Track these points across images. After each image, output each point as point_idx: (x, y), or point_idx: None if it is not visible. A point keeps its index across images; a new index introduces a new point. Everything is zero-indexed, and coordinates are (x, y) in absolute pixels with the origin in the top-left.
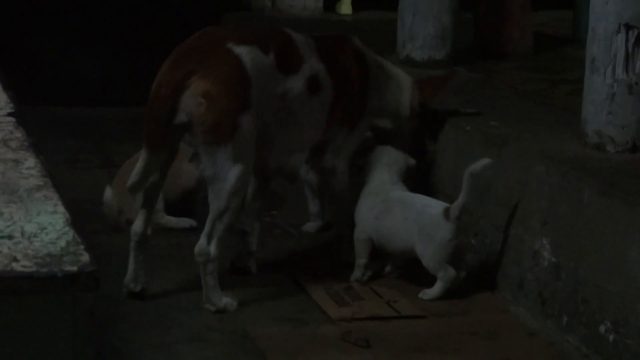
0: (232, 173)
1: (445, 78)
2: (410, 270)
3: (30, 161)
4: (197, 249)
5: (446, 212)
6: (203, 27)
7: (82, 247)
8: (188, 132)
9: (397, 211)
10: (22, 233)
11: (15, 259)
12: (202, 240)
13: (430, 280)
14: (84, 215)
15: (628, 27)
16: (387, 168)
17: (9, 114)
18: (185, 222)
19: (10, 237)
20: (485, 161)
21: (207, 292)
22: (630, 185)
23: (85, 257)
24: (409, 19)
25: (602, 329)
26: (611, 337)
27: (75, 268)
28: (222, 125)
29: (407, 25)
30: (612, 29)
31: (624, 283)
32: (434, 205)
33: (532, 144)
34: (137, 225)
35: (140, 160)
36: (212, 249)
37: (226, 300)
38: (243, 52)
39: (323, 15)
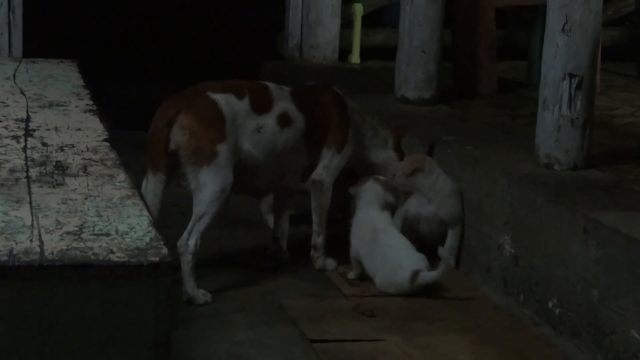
0: (210, 188)
1: (407, 126)
2: None
3: (122, 176)
4: (179, 242)
5: (414, 276)
6: (248, 73)
7: (162, 242)
8: (177, 157)
9: (381, 248)
10: (117, 231)
11: (111, 252)
12: (184, 235)
13: None
14: (160, 215)
15: (571, 76)
16: (373, 202)
17: (105, 140)
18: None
19: (107, 234)
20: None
21: (183, 280)
22: (572, 195)
23: (165, 250)
24: (404, 68)
25: (550, 304)
26: (557, 311)
27: (157, 259)
28: (202, 151)
29: (402, 72)
30: (559, 77)
31: (566, 270)
32: (405, 266)
33: (497, 163)
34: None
35: (148, 183)
36: (191, 243)
37: (196, 292)
38: (219, 97)
39: (338, 64)
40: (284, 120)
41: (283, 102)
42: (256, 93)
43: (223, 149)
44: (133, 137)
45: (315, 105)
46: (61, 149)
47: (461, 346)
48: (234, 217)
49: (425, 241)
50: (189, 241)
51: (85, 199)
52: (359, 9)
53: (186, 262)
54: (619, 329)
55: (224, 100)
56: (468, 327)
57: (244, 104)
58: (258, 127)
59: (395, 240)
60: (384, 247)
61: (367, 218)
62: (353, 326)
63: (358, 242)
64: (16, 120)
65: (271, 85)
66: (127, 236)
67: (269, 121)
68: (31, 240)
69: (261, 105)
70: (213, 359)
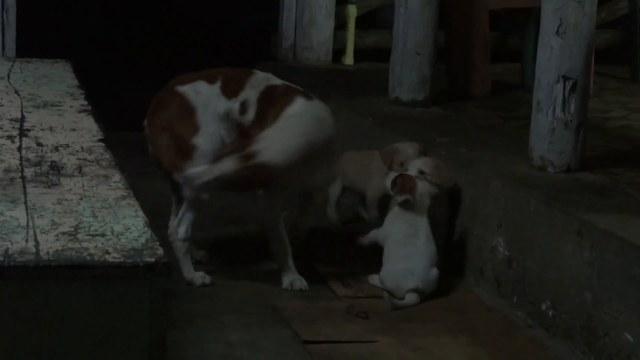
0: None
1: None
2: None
3: (117, 177)
4: (169, 230)
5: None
6: None
7: (157, 243)
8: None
9: (413, 247)
10: (112, 232)
11: (107, 252)
12: (174, 222)
13: None
14: (154, 216)
15: (565, 78)
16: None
17: (100, 140)
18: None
19: (103, 235)
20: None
21: (179, 266)
22: (566, 198)
23: (160, 251)
24: (398, 69)
25: (543, 306)
26: (550, 313)
27: (152, 259)
28: (182, 148)
29: (396, 74)
30: (553, 79)
31: (560, 272)
32: (415, 278)
33: (491, 165)
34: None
35: None
36: (181, 230)
37: (193, 275)
38: (185, 89)
39: (331, 65)
40: (244, 108)
41: (251, 90)
42: (231, 78)
43: (200, 141)
44: (128, 138)
45: (268, 106)
46: (56, 149)
47: (454, 348)
48: (227, 218)
49: None
50: (179, 228)
51: (81, 199)
52: (352, 11)
53: (177, 248)
54: (612, 331)
55: (191, 89)
56: (461, 329)
57: (214, 88)
58: (226, 111)
59: (427, 251)
60: (415, 248)
61: (411, 215)
62: (346, 327)
63: (392, 227)
64: (11, 120)
65: (256, 74)
66: (122, 237)
67: (234, 106)
68: (27, 241)
69: (230, 90)
70: None
